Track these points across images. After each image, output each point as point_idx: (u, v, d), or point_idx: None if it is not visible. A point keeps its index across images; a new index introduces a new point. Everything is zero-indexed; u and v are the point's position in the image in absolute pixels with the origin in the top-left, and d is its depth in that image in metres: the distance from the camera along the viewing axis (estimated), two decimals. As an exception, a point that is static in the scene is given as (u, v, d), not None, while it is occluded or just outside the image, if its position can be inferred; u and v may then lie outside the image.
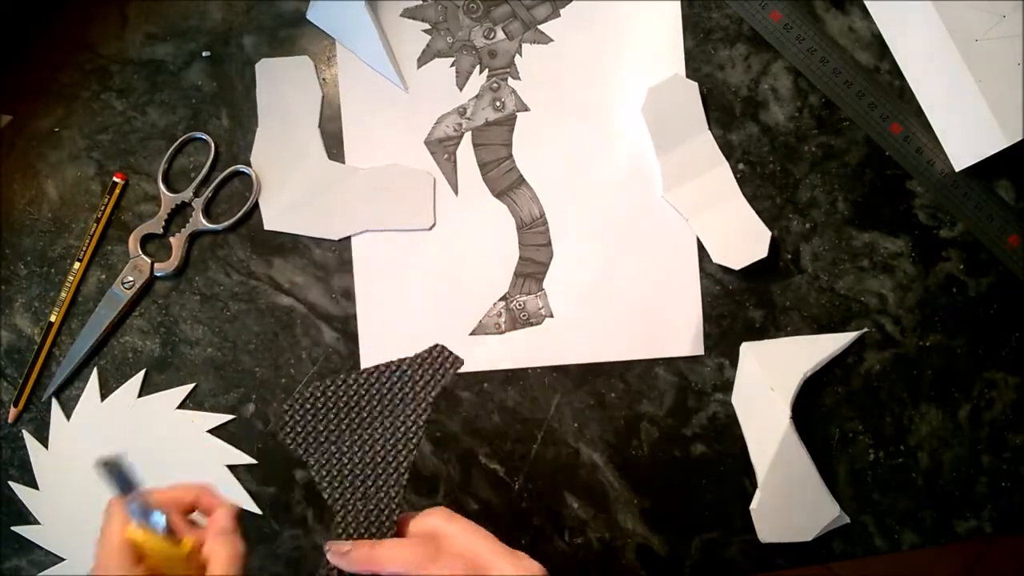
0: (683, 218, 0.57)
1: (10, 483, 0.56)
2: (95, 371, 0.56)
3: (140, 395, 0.57)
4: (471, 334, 0.57)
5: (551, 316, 0.57)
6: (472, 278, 0.57)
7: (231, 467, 0.57)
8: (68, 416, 0.56)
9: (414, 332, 0.57)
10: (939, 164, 0.57)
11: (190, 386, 0.57)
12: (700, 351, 0.57)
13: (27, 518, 0.56)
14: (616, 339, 0.57)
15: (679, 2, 0.57)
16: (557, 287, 0.57)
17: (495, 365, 0.57)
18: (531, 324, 0.57)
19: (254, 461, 0.57)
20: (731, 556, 0.56)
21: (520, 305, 0.57)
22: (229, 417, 0.57)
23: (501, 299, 0.57)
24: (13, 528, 0.56)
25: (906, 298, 0.57)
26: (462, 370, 0.56)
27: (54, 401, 0.56)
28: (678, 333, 0.57)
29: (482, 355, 0.57)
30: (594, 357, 0.57)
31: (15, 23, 0.57)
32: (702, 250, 0.57)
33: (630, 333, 0.57)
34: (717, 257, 0.56)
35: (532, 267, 0.57)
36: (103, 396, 0.57)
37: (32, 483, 0.56)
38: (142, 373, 0.57)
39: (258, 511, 0.56)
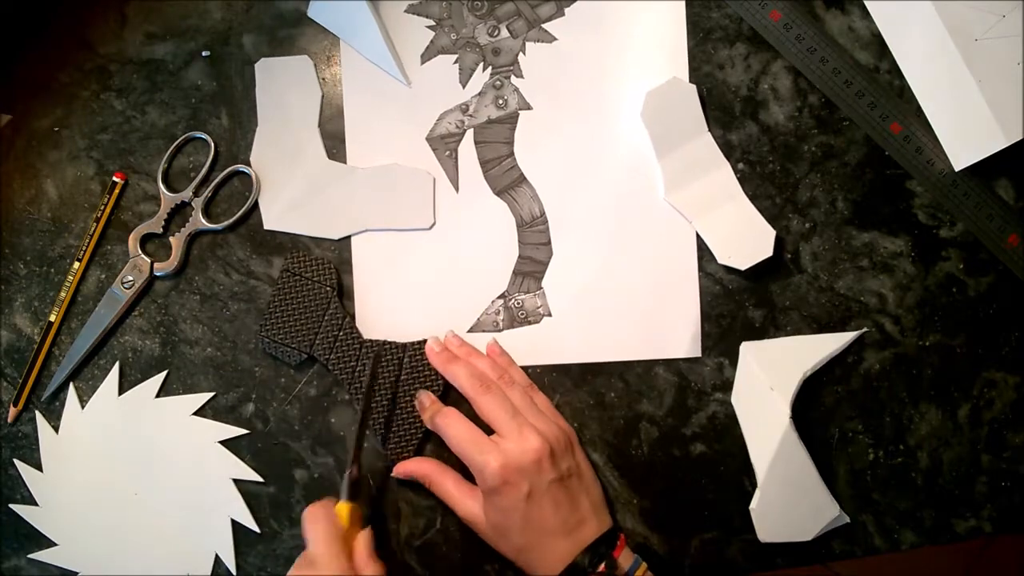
0: (686, 220, 0.57)
1: (15, 461, 0.56)
2: (116, 365, 0.56)
3: (158, 395, 0.57)
4: (469, 331, 0.57)
5: (549, 315, 0.57)
6: (471, 275, 0.57)
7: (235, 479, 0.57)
8: (83, 405, 0.57)
9: (412, 330, 0.57)
10: (939, 164, 0.57)
11: (209, 395, 0.57)
12: (697, 353, 0.57)
13: (27, 501, 0.57)
14: (613, 339, 0.57)
15: (684, 3, 0.57)
16: (556, 286, 0.57)
17: (494, 364, 0.57)
18: (529, 323, 0.57)
19: (261, 479, 0.56)
20: (731, 556, 0.56)
21: (519, 303, 0.57)
22: (243, 431, 0.57)
23: (500, 297, 0.57)
24: (11, 505, 0.56)
25: (906, 298, 0.57)
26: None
27: (70, 388, 0.56)
28: (676, 334, 0.57)
29: (481, 354, 0.57)
30: (591, 357, 0.57)
31: (15, 23, 0.57)
32: (701, 251, 0.57)
33: (627, 334, 0.57)
34: (722, 258, 0.56)
35: (531, 266, 0.57)
36: (121, 391, 0.57)
37: (37, 465, 0.57)
38: (163, 374, 0.57)
39: (257, 529, 0.56)
